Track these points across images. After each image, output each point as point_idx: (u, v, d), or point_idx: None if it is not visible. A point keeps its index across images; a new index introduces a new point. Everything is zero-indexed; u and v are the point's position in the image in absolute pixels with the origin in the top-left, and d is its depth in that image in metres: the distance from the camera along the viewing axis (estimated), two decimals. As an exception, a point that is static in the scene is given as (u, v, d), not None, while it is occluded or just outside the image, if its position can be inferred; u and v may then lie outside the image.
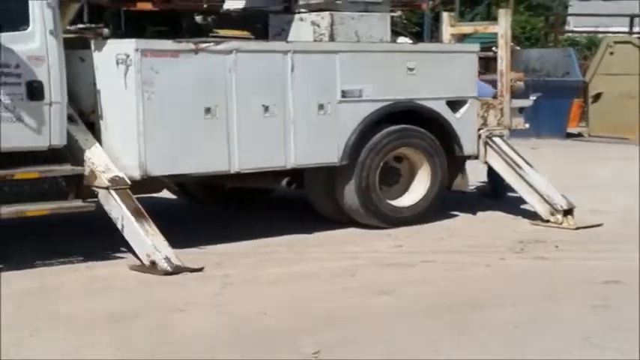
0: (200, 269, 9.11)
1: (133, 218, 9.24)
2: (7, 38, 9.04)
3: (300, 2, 11.81)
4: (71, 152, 9.53)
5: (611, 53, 23.41)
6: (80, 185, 9.48)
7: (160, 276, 8.87)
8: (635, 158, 19.05)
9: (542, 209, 11.83)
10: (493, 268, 9.54)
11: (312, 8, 11.66)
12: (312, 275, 9.13)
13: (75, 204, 9.46)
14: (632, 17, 31.44)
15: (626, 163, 18.21)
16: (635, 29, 31.33)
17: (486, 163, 12.28)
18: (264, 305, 7.99)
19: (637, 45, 24.13)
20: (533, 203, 11.96)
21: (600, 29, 32.29)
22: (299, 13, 11.80)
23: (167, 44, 10.06)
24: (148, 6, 10.81)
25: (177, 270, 8.96)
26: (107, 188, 9.37)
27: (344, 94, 10.99)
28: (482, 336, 7.06)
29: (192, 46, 10.18)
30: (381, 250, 10.34)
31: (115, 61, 9.68)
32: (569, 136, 22.24)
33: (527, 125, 13.24)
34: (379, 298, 8.24)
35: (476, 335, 7.09)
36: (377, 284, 8.73)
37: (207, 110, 10.05)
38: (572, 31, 34.64)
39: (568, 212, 11.70)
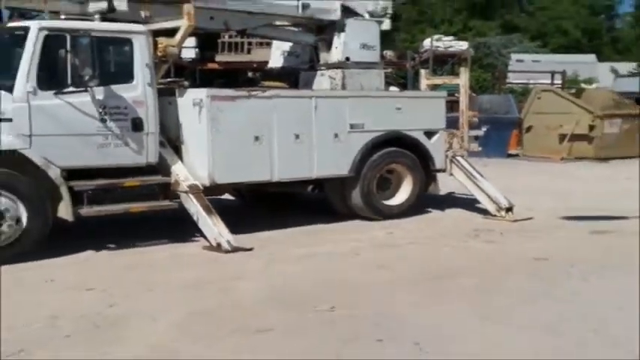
0: (251, 249, 9.12)
1: (204, 213, 9.26)
2: (119, 88, 9.12)
3: (321, 63, 11.82)
4: (161, 167, 9.55)
5: (539, 98, 23.38)
6: (167, 190, 9.49)
7: (223, 254, 8.89)
8: (554, 172, 19.02)
9: (491, 207, 11.76)
10: (457, 248, 9.52)
11: (330, 66, 11.64)
12: (329, 254, 9.12)
13: (164, 203, 9.46)
14: (552, 73, 31.52)
15: (549, 175, 18.17)
16: (555, 82, 31.31)
17: (452, 174, 12.22)
18: (296, 275, 8.05)
19: (557, 93, 24.13)
20: (485, 203, 11.89)
21: (531, 81, 32.20)
22: (320, 70, 11.79)
23: (228, 92, 10.11)
24: (215, 65, 10.86)
25: (235, 249, 8.99)
26: (187, 192, 9.40)
27: (352, 126, 10.95)
28: (451, 297, 7.09)
29: (245, 93, 10.21)
30: (378, 236, 10.31)
31: (192, 103, 9.70)
32: (510, 156, 22.20)
33: (480, 148, 13.20)
34: (377, 270, 8.26)
35: (447, 296, 7.12)
36: (375, 260, 8.73)
37: (256, 138, 10.03)
38: (511, 83, 34.54)
39: (509, 209, 11.66)
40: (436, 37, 17.82)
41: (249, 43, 14.34)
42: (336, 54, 11.69)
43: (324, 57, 11.89)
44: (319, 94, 11.14)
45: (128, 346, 5.63)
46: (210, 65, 11.46)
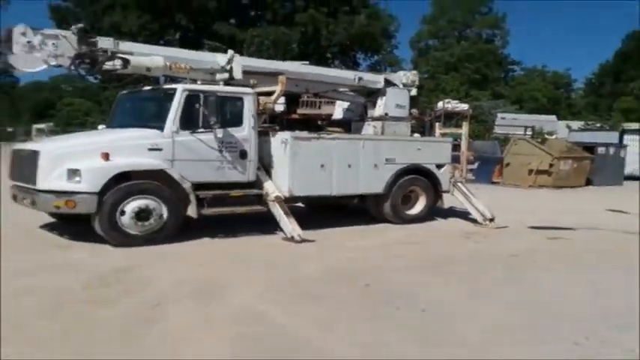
0: (314, 240, 8.94)
1: (284, 215, 9.17)
2: (233, 130, 9.08)
3: (368, 116, 11.72)
4: (257, 183, 9.45)
5: (515, 144, 22.88)
6: (260, 199, 9.39)
7: (295, 243, 8.77)
8: (524, 195, 18.51)
9: (479, 217, 11.43)
10: (454, 246, 9.24)
11: (374, 119, 11.52)
12: (367, 246, 8.92)
13: (258, 208, 9.34)
14: (525, 127, 31.10)
15: (520, 197, 17.71)
16: (527, 133, 30.77)
17: (453, 194, 11.94)
18: (344, 259, 7.89)
19: (528, 141, 23.64)
20: (475, 214, 11.56)
21: (510, 133, 31.56)
22: (367, 121, 11.67)
23: (304, 134, 10.00)
24: (296, 116, 10.81)
25: (303, 240, 8.85)
26: (273, 201, 9.31)
27: (387, 160, 10.73)
28: (449, 279, 6.87)
29: (316, 135, 10.11)
30: (400, 235, 10.04)
31: (280, 141, 9.64)
32: (493, 183, 21.62)
33: (473, 177, 12.84)
34: (398, 258, 8.04)
35: (446, 278, 6.91)
36: (398, 251, 8.52)
37: (322, 165, 9.89)
38: (497, 133, 33.94)
39: (492, 219, 11.33)
40: (446, 100, 17.55)
41: (320, 101, 14.25)
42: (378, 111, 11.56)
43: (370, 112, 11.75)
44: (366, 137, 10.96)
45: (227, 305, 5.59)
46: (293, 116, 11.43)
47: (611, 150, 24.19)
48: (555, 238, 10.11)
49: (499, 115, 41.25)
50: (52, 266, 6.77)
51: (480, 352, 4.61)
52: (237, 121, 9.22)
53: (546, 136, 31.72)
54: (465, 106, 13.61)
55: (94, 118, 48.98)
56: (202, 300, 5.70)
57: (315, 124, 11.55)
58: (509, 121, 37.30)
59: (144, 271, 6.72)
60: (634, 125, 32.64)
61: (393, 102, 11.59)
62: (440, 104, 13.33)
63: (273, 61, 11.20)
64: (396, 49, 51.56)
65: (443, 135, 12.59)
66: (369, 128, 11.60)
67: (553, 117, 45.89)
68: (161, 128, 8.54)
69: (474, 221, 11.51)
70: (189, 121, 8.69)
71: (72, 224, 8.93)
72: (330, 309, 5.55)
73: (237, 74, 9.38)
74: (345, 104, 12.61)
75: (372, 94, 11.79)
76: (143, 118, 9.36)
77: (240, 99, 9.27)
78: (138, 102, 9.76)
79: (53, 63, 8.20)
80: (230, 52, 9.56)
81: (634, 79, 54.28)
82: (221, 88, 9.16)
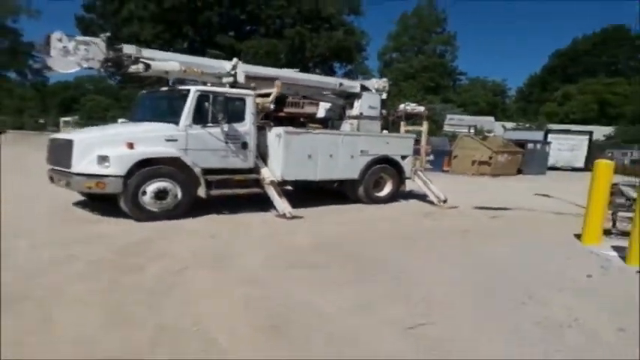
0: (302, 217, 8.88)
1: (276, 195, 9.08)
2: (236, 125, 8.94)
3: (347, 115, 11.61)
4: (256, 169, 9.33)
5: (462, 140, 23.02)
6: (258, 182, 9.27)
7: (286, 219, 8.69)
8: (469, 182, 18.64)
9: (435, 200, 11.47)
10: (417, 222, 9.24)
11: (351, 118, 11.44)
12: (345, 222, 8.86)
13: (257, 190, 9.22)
14: (469, 126, 31.26)
15: (466, 183, 17.82)
16: (471, 131, 30.95)
17: (414, 180, 11.94)
18: (327, 233, 7.80)
19: (471, 137, 23.76)
20: (431, 197, 11.59)
21: (457, 130, 31.76)
22: (345, 119, 11.57)
23: (293, 129, 9.87)
24: (283, 114, 10.67)
25: (293, 217, 8.78)
26: (268, 184, 9.21)
27: (361, 151, 10.70)
28: (414, 250, 6.81)
29: (305, 130, 10.02)
30: (372, 213, 10.01)
31: (275, 135, 9.54)
32: (444, 171, 21.74)
33: (430, 166, 12.88)
34: (371, 232, 8.01)
35: (411, 249, 6.84)
36: (372, 227, 8.46)
37: (309, 155, 9.82)
38: (447, 131, 34.15)
39: (445, 201, 11.37)
40: (406, 103, 17.32)
41: (303, 102, 14.01)
42: (355, 111, 11.46)
43: (348, 112, 11.65)
44: (344, 133, 10.88)
45: (234, 270, 5.52)
46: (280, 114, 11.19)
47: (538, 146, 24.55)
48: (496, 216, 10.21)
49: (448, 116, 41.51)
50: (85, 238, 6.60)
51: (445, 308, 4.62)
52: (240, 117, 9.06)
53: (486, 134, 32.01)
54: (421, 109, 13.48)
55: (112, 112, 48.02)
56: (214, 266, 5.61)
57: (298, 122, 11.37)
58: (456, 121, 37.61)
59: (163, 243, 6.60)
60: (556, 126, 33.17)
61: (367, 104, 11.51)
62: (401, 106, 13.26)
63: (270, 67, 11.00)
64: (366, 60, 51.50)
65: (407, 132, 12.58)
66: (346, 126, 11.49)
67: (491, 118, 46.28)
68: (176, 123, 8.35)
69: (431, 202, 11.54)
70: (200, 117, 8.52)
71: (100, 202, 8.74)
72: (320, 275, 5.49)
73: (241, 78, 9.22)
74: (327, 105, 12.45)
75: (349, 97, 11.67)
76: (161, 114, 9.14)
77: (243, 99, 9.12)
78: (156, 100, 9.53)
79: (85, 65, 7.97)
80: (235, 59, 9.39)
81: (557, 89, 55.08)
82: (227, 90, 8.99)
